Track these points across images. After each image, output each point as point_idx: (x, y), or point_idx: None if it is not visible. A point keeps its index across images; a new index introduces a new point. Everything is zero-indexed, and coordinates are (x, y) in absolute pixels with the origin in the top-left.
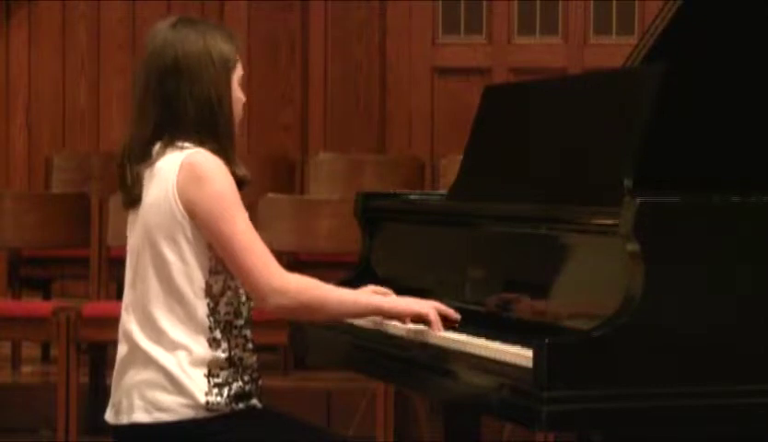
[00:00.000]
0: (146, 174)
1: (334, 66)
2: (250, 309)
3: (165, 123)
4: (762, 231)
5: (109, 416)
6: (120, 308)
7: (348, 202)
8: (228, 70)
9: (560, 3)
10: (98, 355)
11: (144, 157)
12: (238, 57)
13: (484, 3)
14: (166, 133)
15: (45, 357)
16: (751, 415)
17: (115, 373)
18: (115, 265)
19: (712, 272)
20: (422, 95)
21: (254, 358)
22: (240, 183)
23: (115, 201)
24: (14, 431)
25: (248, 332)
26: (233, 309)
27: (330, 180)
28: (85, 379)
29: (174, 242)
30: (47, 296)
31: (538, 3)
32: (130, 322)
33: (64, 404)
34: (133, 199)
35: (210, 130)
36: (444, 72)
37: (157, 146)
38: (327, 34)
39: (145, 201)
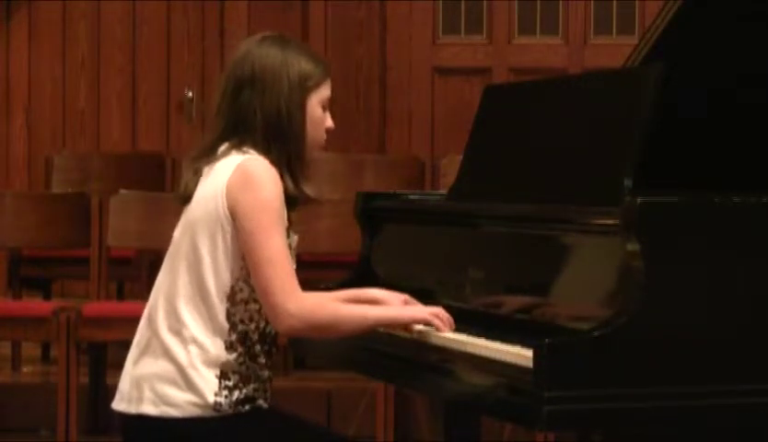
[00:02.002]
0: (206, 170)
1: (334, 66)
2: (268, 325)
3: (234, 129)
4: (762, 231)
5: (116, 404)
6: (120, 308)
7: (348, 202)
8: (305, 89)
9: (560, 3)
10: (98, 355)
11: (208, 155)
12: (324, 79)
13: (485, 3)
14: (234, 137)
15: (45, 357)
16: (751, 415)
17: (129, 357)
18: (115, 265)
19: (712, 271)
20: (422, 95)
21: (266, 373)
22: (299, 200)
23: (115, 201)
24: (14, 431)
25: (260, 347)
26: (252, 321)
27: (330, 180)
28: (85, 379)
29: (212, 240)
30: (47, 296)
31: (538, 3)
32: (157, 308)
33: (64, 404)
34: (186, 196)
35: (277, 142)
36: (444, 72)
37: (224, 147)
38: (327, 34)
39: (196, 195)
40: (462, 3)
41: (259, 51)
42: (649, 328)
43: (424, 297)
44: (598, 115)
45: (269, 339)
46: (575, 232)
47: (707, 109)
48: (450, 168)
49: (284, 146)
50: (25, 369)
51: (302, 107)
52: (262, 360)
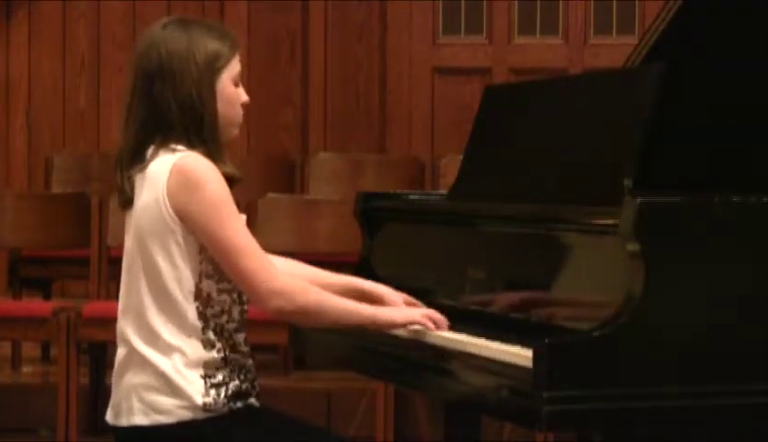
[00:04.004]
0: (139, 177)
1: (334, 66)
2: (242, 313)
3: (152, 126)
4: (762, 231)
5: (109, 417)
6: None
7: (348, 202)
8: (214, 70)
9: (560, 3)
10: (98, 355)
11: (136, 159)
12: (232, 55)
13: (485, 3)
14: (156, 135)
15: (45, 357)
16: (751, 415)
17: (114, 373)
18: (115, 265)
19: (712, 272)
20: (422, 95)
21: (249, 361)
22: (231, 181)
23: (115, 201)
24: (14, 431)
25: (240, 336)
26: (224, 312)
27: (330, 180)
28: (85, 379)
29: (164, 247)
30: (47, 296)
31: (538, 3)
32: (126, 325)
33: (64, 404)
34: (125, 201)
35: (196, 132)
36: (444, 72)
37: (151, 149)
38: (327, 34)
39: (136, 204)
40: (462, 3)
41: (162, 38)
42: (649, 328)
43: (424, 297)
44: (598, 115)
45: (244, 327)
46: (575, 232)
47: (707, 109)
48: (450, 168)
49: (201, 134)
50: (25, 369)
51: (213, 90)
52: (244, 348)
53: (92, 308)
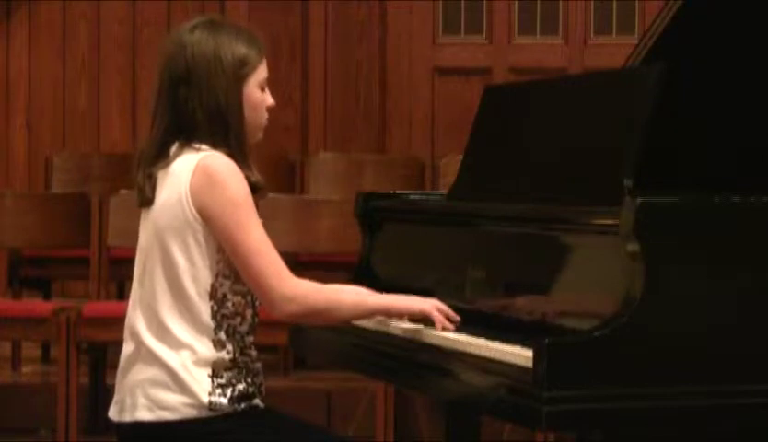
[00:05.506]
0: (161, 174)
1: (334, 66)
2: (255, 316)
3: (176, 129)
4: (762, 231)
5: (112, 413)
6: (120, 308)
7: (348, 202)
8: (241, 77)
9: (560, 3)
10: (98, 355)
11: (159, 157)
12: (260, 60)
13: (485, 3)
14: (180, 136)
15: (45, 357)
16: (751, 415)
17: (120, 369)
18: (115, 265)
19: (712, 271)
20: (422, 95)
21: (258, 364)
22: (254, 189)
23: (115, 201)
24: (14, 431)
25: (250, 339)
26: (237, 314)
27: (330, 180)
28: (85, 379)
29: (183, 244)
30: (47, 296)
31: (538, 3)
32: (137, 319)
33: (64, 404)
34: (145, 199)
35: (221, 136)
36: (444, 72)
37: (175, 147)
38: (327, 34)
39: (157, 201)
40: (462, 3)
41: (190, 41)
42: (649, 328)
43: (425, 297)
44: (598, 115)
45: (254, 330)
46: (575, 232)
47: (708, 108)
48: (450, 168)
49: (226, 139)
50: (25, 369)
51: (239, 96)
52: (254, 352)
53: (92, 308)
